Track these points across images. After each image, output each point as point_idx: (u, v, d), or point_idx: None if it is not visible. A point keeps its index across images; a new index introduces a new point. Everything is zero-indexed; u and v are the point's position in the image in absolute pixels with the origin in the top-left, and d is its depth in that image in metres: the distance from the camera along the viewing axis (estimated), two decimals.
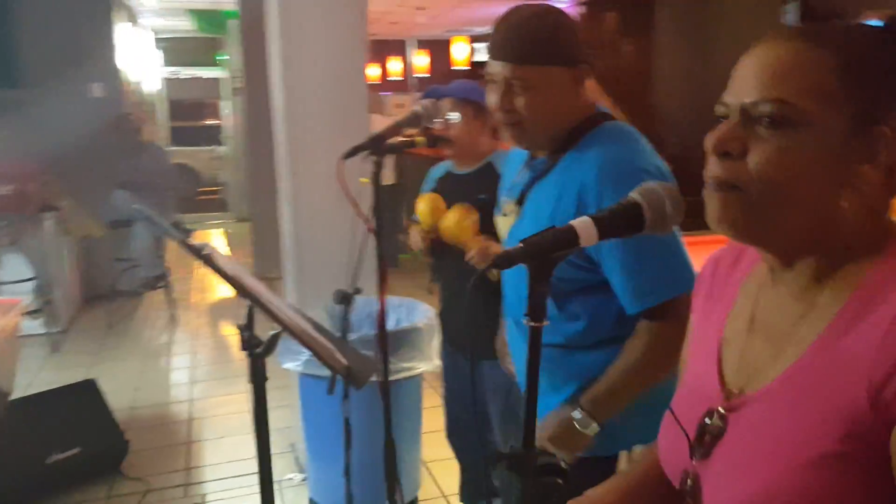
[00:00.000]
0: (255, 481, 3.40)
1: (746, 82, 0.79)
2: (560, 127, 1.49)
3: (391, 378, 2.87)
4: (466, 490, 2.92)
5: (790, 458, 0.76)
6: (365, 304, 3.26)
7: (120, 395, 4.20)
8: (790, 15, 6.49)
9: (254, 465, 3.49)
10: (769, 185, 0.77)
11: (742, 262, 0.96)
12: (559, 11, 1.47)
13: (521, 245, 0.78)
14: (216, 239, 10.02)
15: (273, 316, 1.24)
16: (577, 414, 1.42)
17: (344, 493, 2.47)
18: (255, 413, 1.47)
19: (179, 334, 5.73)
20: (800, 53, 0.77)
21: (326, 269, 3.18)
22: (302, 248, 3.22)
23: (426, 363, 2.91)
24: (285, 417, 3.88)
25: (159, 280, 6.06)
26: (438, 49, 10.65)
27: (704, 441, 0.86)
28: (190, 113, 13.07)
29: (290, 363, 2.90)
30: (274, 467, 3.43)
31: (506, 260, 0.78)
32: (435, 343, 2.96)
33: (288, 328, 1.20)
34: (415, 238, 2.44)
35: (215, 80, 12.40)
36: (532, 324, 0.78)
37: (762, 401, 0.82)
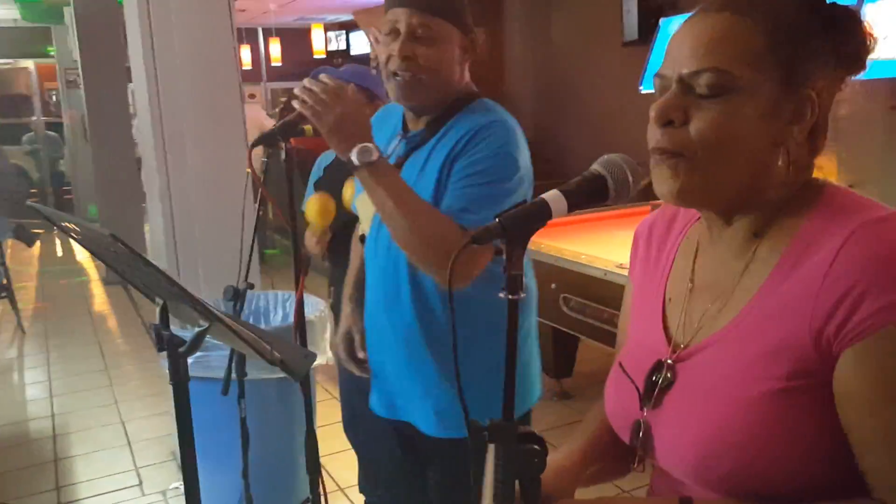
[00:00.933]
0: (136, 494, 3.25)
1: (682, 54, 0.85)
2: (447, 95, 1.54)
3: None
4: (365, 481, 2.91)
5: (739, 397, 0.82)
6: (249, 300, 3.16)
7: None
8: (629, 2, 6.88)
9: (133, 478, 3.33)
10: (711, 148, 0.82)
11: (676, 226, 1.02)
12: None
13: (497, 220, 0.80)
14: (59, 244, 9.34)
15: (205, 312, 1.18)
16: (360, 154, 1.37)
17: (241, 496, 2.40)
18: (179, 418, 1.39)
19: (29, 346, 5.30)
20: (730, 23, 0.83)
21: (207, 266, 3.06)
22: (178, 246, 3.07)
23: (320, 356, 2.87)
24: (164, 425, 3.70)
25: (0, 290, 5.57)
26: (291, 37, 10.40)
27: (654, 392, 0.92)
28: (13, 108, 12.00)
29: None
30: (157, 478, 3.30)
31: (485, 234, 0.80)
32: (327, 336, 2.92)
33: (225, 324, 1.16)
34: (309, 242, 2.40)
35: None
36: (511, 297, 0.80)
37: (710, 348, 0.88)
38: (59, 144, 10.23)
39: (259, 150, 1.60)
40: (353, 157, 1.37)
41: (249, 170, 1.49)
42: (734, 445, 0.81)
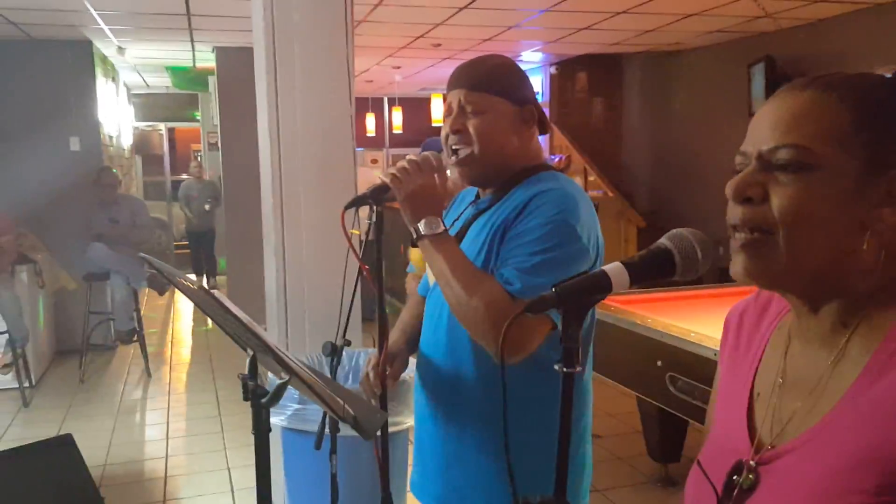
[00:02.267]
0: None
1: (763, 131, 0.82)
2: (507, 166, 1.58)
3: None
4: None
5: None
6: (349, 357, 3.24)
7: (93, 451, 4.08)
8: (757, 75, 6.73)
9: None
10: (791, 227, 0.78)
11: (768, 315, 0.96)
12: (511, 59, 1.62)
13: (554, 290, 0.79)
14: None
15: (284, 365, 1.23)
16: (426, 226, 1.47)
17: None
18: (258, 467, 1.43)
19: (153, 389, 5.61)
20: (814, 101, 0.80)
21: (313, 321, 3.16)
22: (288, 301, 3.20)
23: (413, 417, 2.88)
24: None
25: (133, 334, 5.96)
26: (412, 106, 10.82)
27: (734, 495, 0.85)
28: (161, 167, 13.01)
29: (274, 417, 2.84)
30: None
31: (540, 304, 0.79)
32: None
33: (300, 378, 1.19)
34: (411, 288, 2.45)
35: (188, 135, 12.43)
36: (565, 370, 0.78)
37: (795, 453, 0.81)
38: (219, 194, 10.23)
39: (364, 213, 1.67)
40: (421, 226, 1.48)
41: (344, 229, 1.54)
42: None
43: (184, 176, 12.03)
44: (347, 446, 2.29)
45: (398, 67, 8.75)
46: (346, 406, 1.21)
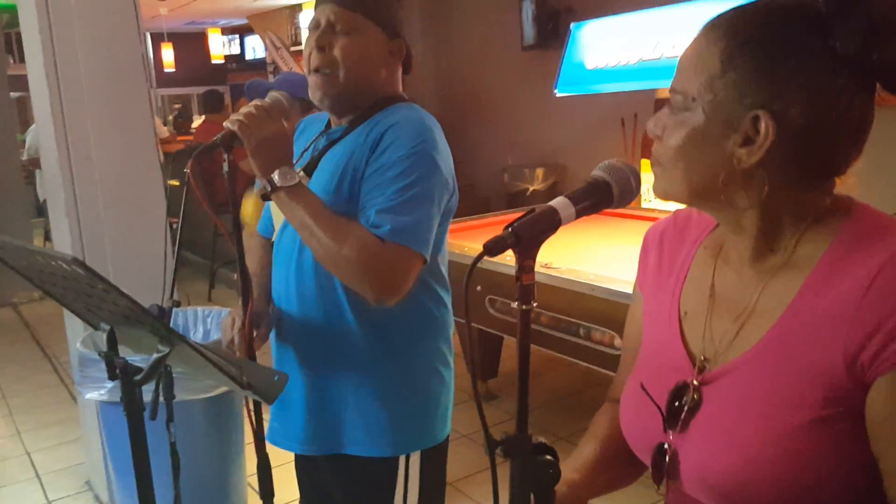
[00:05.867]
0: None
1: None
2: (368, 94, 1.52)
3: (214, 393, 2.71)
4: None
5: (774, 426, 0.80)
6: (173, 318, 3.02)
7: None
8: (527, 8, 7.00)
9: None
10: (673, 159, 0.85)
11: (689, 235, 1.00)
12: None
13: (509, 229, 0.78)
14: None
15: (164, 337, 1.11)
16: (281, 177, 1.38)
17: None
18: (134, 449, 1.31)
19: None
20: (698, 44, 0.84)
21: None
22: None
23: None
24: (74, 454, 3.49)
25: None
26: (185, 42, 10.03)
27: (679, 414, 0.88)
28: None
29: (92, 393, 2.60)
30: None
31: (496, 245, 0.78)
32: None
33: (194, 348, 1.09)
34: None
35: None
36: (523, 307, 0.78)
37: (738, 371, 0.85)
38: None
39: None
40: (276, 178, 1.38)
41: (193, 180, 1.40)
42: (771, 475, 0.80)
43: None
44: (183, 412, 2.16)
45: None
46: (242, 373, 1.13)
